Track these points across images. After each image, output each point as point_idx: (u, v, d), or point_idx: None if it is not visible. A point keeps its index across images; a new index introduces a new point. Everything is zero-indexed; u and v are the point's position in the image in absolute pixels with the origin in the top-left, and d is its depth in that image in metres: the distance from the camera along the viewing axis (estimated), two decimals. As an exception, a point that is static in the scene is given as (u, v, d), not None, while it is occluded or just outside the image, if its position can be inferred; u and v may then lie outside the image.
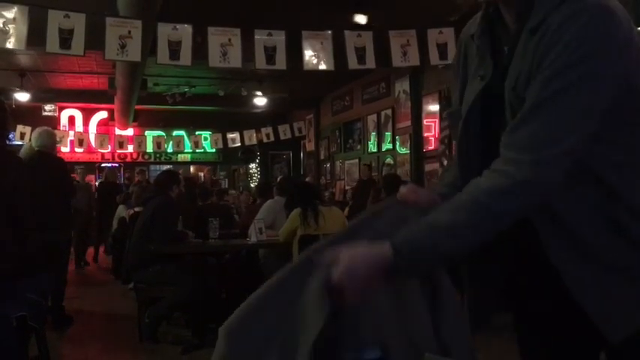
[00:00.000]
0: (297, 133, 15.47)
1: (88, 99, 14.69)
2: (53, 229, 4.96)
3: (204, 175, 12.25)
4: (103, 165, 16.37)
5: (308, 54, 6.37)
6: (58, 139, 7.03)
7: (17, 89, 12.48)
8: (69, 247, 6.11)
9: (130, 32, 5.69)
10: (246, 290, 4.68)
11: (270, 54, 6.18)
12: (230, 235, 5.97)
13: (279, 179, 7.30)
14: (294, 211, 4.95)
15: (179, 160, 17.39)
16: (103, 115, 16.30)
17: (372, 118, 12.97)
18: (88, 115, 16.25)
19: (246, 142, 15.07)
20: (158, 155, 16.98)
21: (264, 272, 5.51)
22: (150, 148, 16.16)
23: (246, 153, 16.59)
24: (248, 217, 6.38)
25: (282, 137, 15.03)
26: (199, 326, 4.91)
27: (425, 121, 10.96)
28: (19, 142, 11.91)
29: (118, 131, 15.91)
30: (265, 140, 15.06)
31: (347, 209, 8.80)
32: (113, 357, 4.78)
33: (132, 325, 5.30)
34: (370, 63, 6.47)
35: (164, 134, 16.34)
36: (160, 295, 4.95)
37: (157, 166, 16.71)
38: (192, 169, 17.57)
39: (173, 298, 4.87)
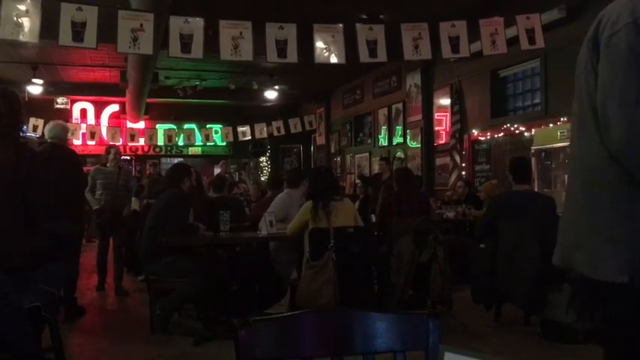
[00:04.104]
0: (307, 127, 15.46)
1: (99, 92, 14.77)
2: (65, 220, 4.99)
3: (219, 168, 12.32)
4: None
5: (319, 47, 6.33)
6: (70, 132, 7.07)
7: (30, 82, 12.56)
8: (81, 239, 6.15)
9: (142, 25, 5.70)
10: (257, 283, 4.68)
11: (281, 47, 6.16)
12: (241, 228, 5.99)
13: (287, 171, 7.25)
14: (306, 205, 4.94)
15: (190, 153, 17.45)
16: (114, 108, 16.38)
17: (382, 112, 12.94)
18: (99, 108, 16.33)
19: (257, 136, 15.10)
20: (169, 148, 17.04)
21: (274, 265, 5.53)
22: (161, 141, 16.23)
23: (257, 146, 16.62)
24: (258, 210, 6.39)
25: (292, 131, 15.04)
26: (210, 318, 4.94)
27: (436, 115, 10.92)
28: (32, 135, 11.99)
29: (129, 124, 16.00)
30: (276, 134, 15.07)
31: (358, 202, 8.79)
32: (125, 348, 4.81)
33: (143, 316, 5.34)
34: (382, 56, 6.43)
35: (175, 127, 16.38)
36: (172, 287, 4.97)
37: (168, 159, 16.79)
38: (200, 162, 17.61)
39: (184, 290, 4.89)
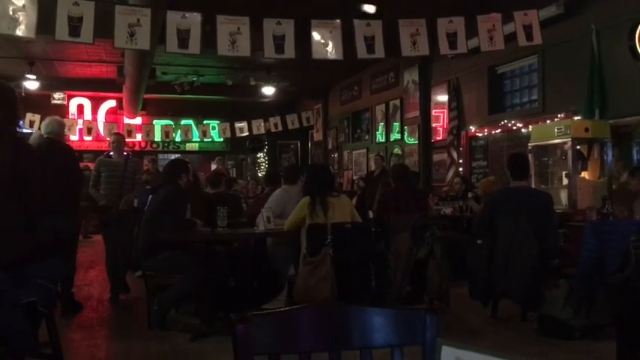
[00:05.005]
0: (305, 123, 15.47)
1: (96, 87, 14.76)
2: (62, 216, 4.98)
3: (216, 165, 12.37)
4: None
5: (317, 43, 6.33)
6: (66, 128, 7.02)
7: (27, 77, 12.53)
8: (77, 234, 6.13)
9: (139, 20, 5.67)
10: (255, 278, 4.67)
11: (278, 43, 6.14)
12: (238, 224, 5.98)
13: (284, 167, 7.25)
14: (303, 200, 4.95)
15: (187, 149, 17.43)
16: (111, 103, 16.36)
17: (380, 108, 12.94)
18: (96, 103, 16.31)
19: (254, 132, 15.10)
20: (166, 144, 17.03)
21: (272, 261, 5.53)
22: (158, 137, 16.22)
23: (254, 142, 16.61)
24: (256, 206, 6.38)
25: (290, 127, 15.04)
26: (208, 314, 4.94)
27: (433, 112, 10.93)
28: (29, 130, 11.96)
29: (126, 120, 15.99)
30: (273, 130, 15.07)
31: (355, 199, 8.79)
32: (122, 344, 4.81)
33: (141, 312, 5.33)
34: (379, 52, 6.42)
35: (172, 123, 16.37)
36: (169, 282, 4.97)
37: (165, 155, 16.76)
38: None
39: (182, 285, 4.89)
